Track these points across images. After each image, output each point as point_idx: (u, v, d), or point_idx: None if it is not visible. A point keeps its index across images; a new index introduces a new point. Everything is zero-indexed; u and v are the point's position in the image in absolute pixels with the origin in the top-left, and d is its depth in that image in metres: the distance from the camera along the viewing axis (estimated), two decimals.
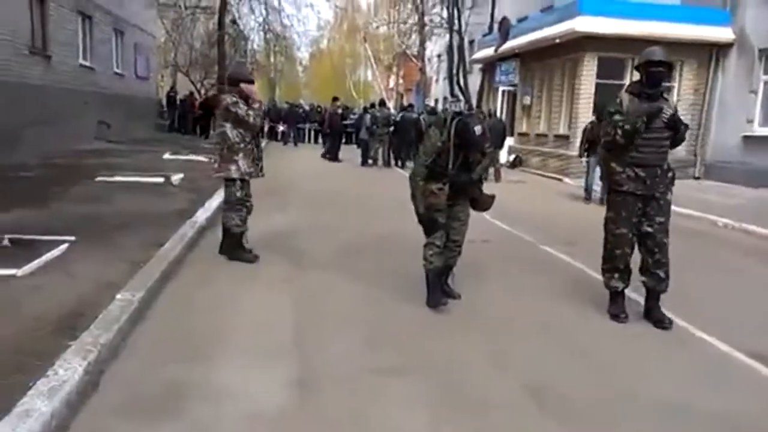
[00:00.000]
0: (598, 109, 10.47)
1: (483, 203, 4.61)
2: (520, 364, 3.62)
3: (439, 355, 3.69)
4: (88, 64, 17.31)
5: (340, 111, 19.62)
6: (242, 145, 5.51)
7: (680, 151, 15.10)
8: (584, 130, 11.18)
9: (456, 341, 3.92)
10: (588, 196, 10.96)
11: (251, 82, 5.83)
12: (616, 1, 16.86)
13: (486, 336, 4.04)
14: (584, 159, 10.99)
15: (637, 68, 4.40)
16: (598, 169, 8.41)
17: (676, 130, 4.28)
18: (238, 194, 5.66)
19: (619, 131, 4.17)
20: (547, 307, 4.73)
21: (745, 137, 13.26)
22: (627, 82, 14.93)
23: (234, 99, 5.43)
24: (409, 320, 4.25)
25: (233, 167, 5.54)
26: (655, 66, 4.27)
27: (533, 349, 3.85)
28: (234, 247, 5.71)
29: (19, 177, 8.88)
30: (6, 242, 4.84)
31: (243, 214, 5.71)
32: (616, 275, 4.48)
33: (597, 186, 10.24)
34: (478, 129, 4.12)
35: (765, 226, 8.37)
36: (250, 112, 5.44)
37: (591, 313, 4.60)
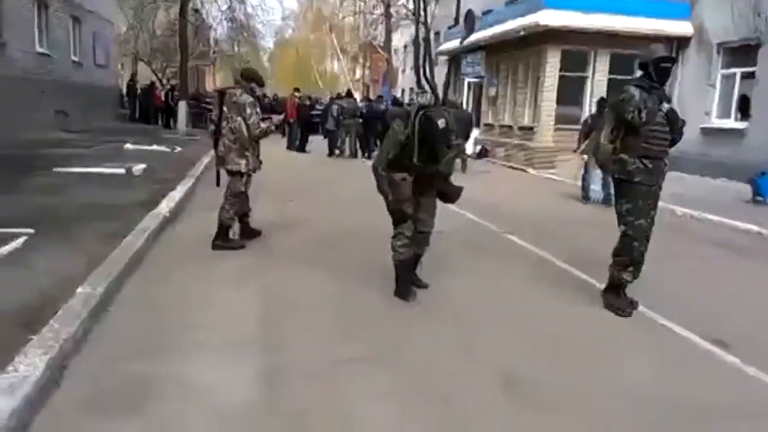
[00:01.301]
0: (601, 103, 9.60)
1: (451, 195, 4.63)
2: (490, 352, 3.66)
3: (409, 344, 3.71)
4: (44, 51, 16.77)
5: (308, 102, 19.46)
6: (252, 142, 5.81)
7: None
8: (583, 123, 10.43)
9: (425, 331, 3.94)
10: (586, 196, 10.15)
11: (263, 86, 6.27)
12: None
13: (455, 325, 4.08)
14: (583, 156, 9.97)
15: (643, 65, 4.43)
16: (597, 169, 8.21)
17: (673, 124, 4.36)
18: (242, 188, 5.92)
19: (644, 112, 4.18)
20: (515, 296, 4.80)
21: (704, 129, 13.63)
22: (589, 74, 15.24)
23: (251, 100, 5.72)
24: (378, 311, 4.26)
25: (243, 162, 5.79)
26: (665, 62, 4.40)
27: (502, 337, 3.91)
28: (222, 238, 5.86)
29: None
30: None
31: (237, 207, 5.95)
32: (630, 268, 4.46)
33: (595, 186, 9.96)
34: (441, 122, 4.13)
35: (722, 216, 8.66)
36: (262, 125, 5.79)
37: (558, 300, 4.69)
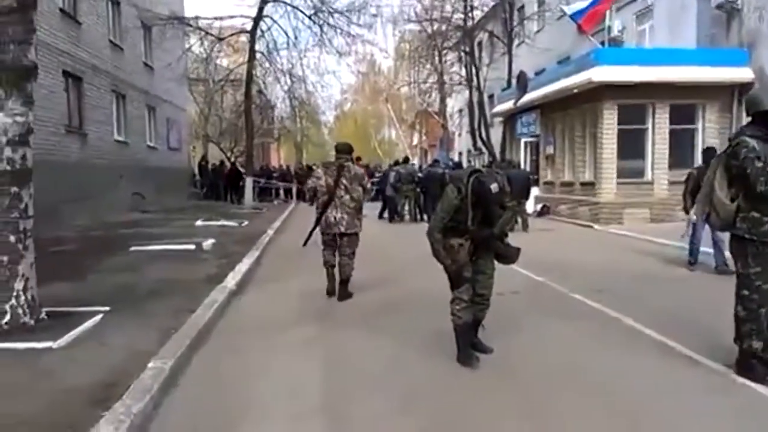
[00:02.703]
0: (709, 153, 8.11)
1: (508, 256, 4.59)
2: (559, 425, 3.50)
3: (472, 416, 3.61)
4: (122, 139, 18.07)
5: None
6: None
7: None
8: (687, 179, 8.67)
9: (488, 400, 3.83)
10: (694, 261, 8.60)
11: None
12: (631, 49, 17.13)
13: (520, 392, 3.95)
14: (691, 215, 8.17)
15: (752, 114, 4.05)
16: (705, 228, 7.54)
17: None
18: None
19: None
20: (586, 361, 4.58)
21: None
22: (649, 126, 14.98)
23: (363, 171, 7.06)
24: (440, 379, 4.19)
25: (359, 224, 6.85)
26: None
27: (573, 407, 3.72)
28: (345, 289, 6.81)
29: (56, 251, 9.18)
30: (44, 315, 4.97)
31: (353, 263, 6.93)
32: (755, 335, 4.05)
33: (705, 247, 8.40)
34: (494, 187, 4.14)
35: None
36: (369, 187, 7.14)
37: (635, 367, 4.44)
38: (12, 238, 4.73)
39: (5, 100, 4.74)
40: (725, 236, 4.44)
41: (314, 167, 10.38)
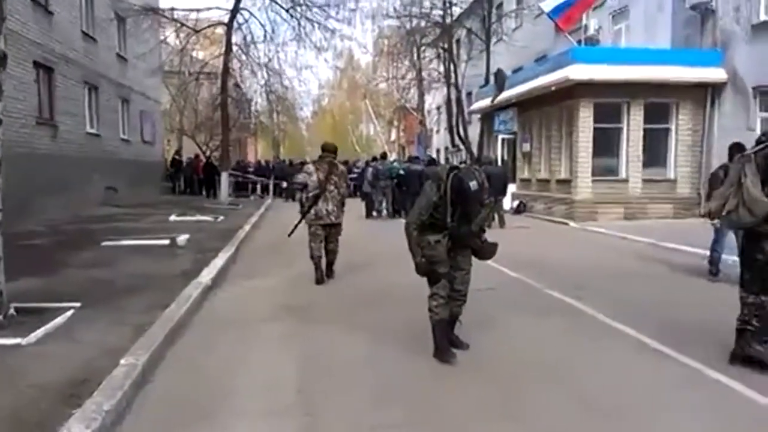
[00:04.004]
0: (736, 149, 6.44)
1: (485, 252, 4.60)
2: (533, 417, 3.53)
3: (447, 409, 3.62)
4: (95, 131, 17.72)
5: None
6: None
7: (684, 191, 15.24)
8: (713, 178, 7.34)
9: (464, 394, 3.84)
10: (715, 271, 7.64)
11: None
12: (607, 48, 17.33)
13: (496, 387, 3.96)
14: (715, 222, 6.79)
15: None
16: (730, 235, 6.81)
17: None
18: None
19: None
20: (559, 356, 4.64)
21: None
22: (624, 125, 15.19)
23: (345, 169, 7.94)
24: (416, 374, 4.19)
25: (342, 215, 7.61)
26: None
27: (547, 401, 3.76)
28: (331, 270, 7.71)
29: (26, 245, 8.97)
30: (12, 311, 4.84)
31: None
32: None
33: (728, 256, 7.26)
34: (473, 185, 4.15)
35: None
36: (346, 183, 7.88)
37: (606, 359, 4.52)
38: None
39: None
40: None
41: (305, 163, 10.70)
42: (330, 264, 7.69)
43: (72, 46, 15.97)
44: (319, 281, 7.36)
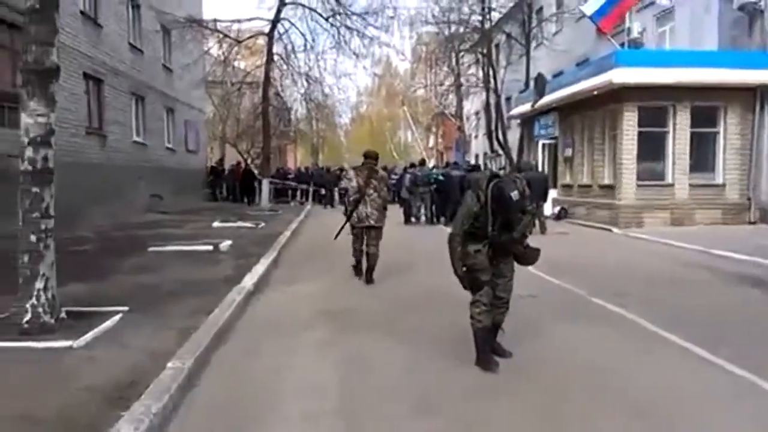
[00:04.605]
0: None
1: (528, 258, 4.53)
2: (578, 427, 3.45)
3: (489, 419, 3.56)
4: (141, 140, 18.23)
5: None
6: None
7: (733, 196, 14.74)
8: None
9: (508, 403, 3.78)
10: None
11: None
12: (652, 51, 16.95)
13: (540, 396, 3.89)
14: None
15: None
16: None
17: None
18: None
19: None
20: (605, 364, 4.53)
21: None
22: (670, 129, 14.80)
23: (386, 174, 8.34)
24: (458, 382, 4.14)
25: (384, 219, 7.88)
26: None
27: (593, 410, 3.67)
28: (371, 275, 7.81)
29: (76, 251, 9.27)
30: (63, 314, 5.00)
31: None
32: None
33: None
34: (515, 195, 4.09)
35: None
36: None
37: (650, 369, 4.39)
38: (33, 238, 4.77)
39: (28, 101, 4.78)
40: None
41: (343, 170, 11.44)
42: (370, 269, 7.80)
43: (120, 58, 16.50)
44: (357, 274, 8.00)
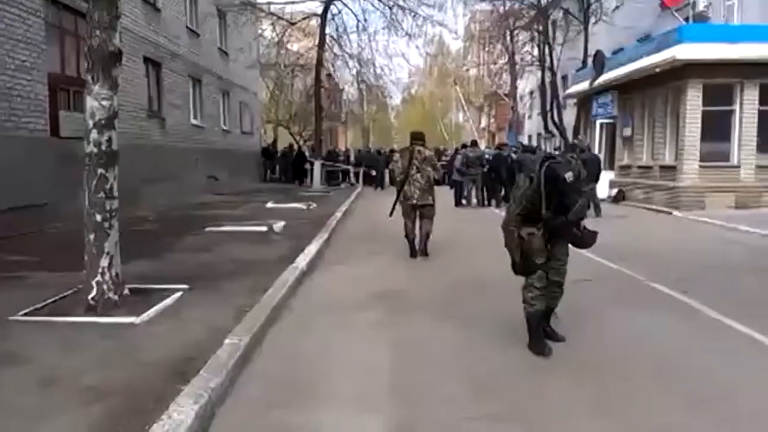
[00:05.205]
0: None
1: (585, 241, 4.42)
2: (632, 413, 3.37)
3: (543, 403, 3.52)
4: (198, 123, 18.67)
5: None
6: None
7: None
8: None
9: (560, 388, 3.72)
10: None
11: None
12: (718, 25, 16.12)
13: (593, 382, 3.81)
14: None
15: None
16: None
17: None
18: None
19: None
20: (661, 350, 4.40)
21: None
22: (736, 107, 14.11)
23: (432, 154, 8.59)
24: (512, 366, 4.11)
25: (432, 197, 8.19)
26: None
27: (647, 396, 3.59)
28: (425, 246, 8.25)
29: (137, 230, 9.61)
30: (126, 291, 5.21)
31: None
32: None
33: None
34: (569, 176, 3.98)
35: None
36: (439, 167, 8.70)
37: (713, 358, 4.24)
38: (98, 217, 4.96)
39: (93, 85, 4.94)
40: None
41: (394, 151, 12.00)
42: (423, 243, 8.23)
43: (178, 42, 16.88)
44: (412, 255, 8.18)
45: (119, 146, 5.16)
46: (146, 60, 14.77)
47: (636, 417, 3.31)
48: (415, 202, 8.06)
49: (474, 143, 19.43)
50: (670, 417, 3.31)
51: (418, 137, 8.33)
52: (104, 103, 4.96)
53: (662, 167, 15.55)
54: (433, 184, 8.23)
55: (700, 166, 14.27)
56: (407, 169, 8.02)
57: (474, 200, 17.03)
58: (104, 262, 4.97)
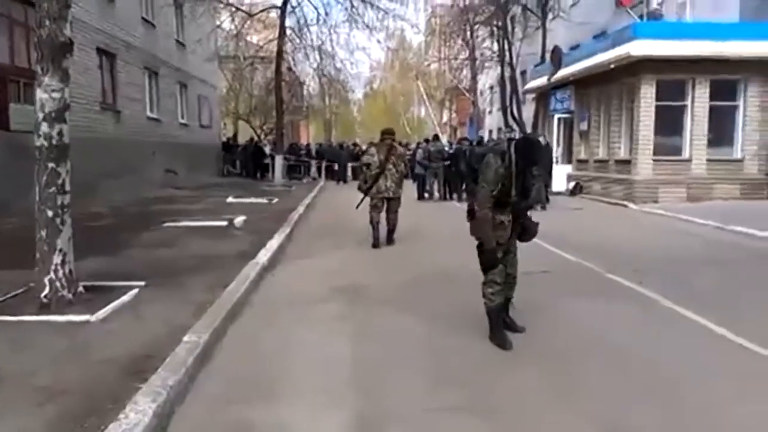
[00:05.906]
0: None
1: (531, 231, 4.50)
2: (590, 400, 3.46)
3: (504, 392, 3.58)
4: (155, 116, 18.25)
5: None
6: None
7: (752, 171, 14.52)
8: None
9: (521, 377, 3.80)
10: None
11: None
12: (671, 23, 16.58)
13: (553, 371, 3.90)
14: None
15: None
16: None
17: None
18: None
19: None
20: (617, 339, 4.53)
21: None
22: (688, 102, 14.55)
23: (403, 151, 9.38)
24: (473, 357, 4.16)
25: (401, 190, 8.78)
26: None
27: (604, 384, 3.68)
28: (391, 237, 8.81)
29: (92, 226, 9.35)
30: (81, 289, 5.07)
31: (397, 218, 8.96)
32: None
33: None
34: (542, 139, 4.05)
35: None
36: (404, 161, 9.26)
37: (668, 347, 4.37)
38: (50, 213, 4.81)
39: (42, 76, 4.78)
40: None
41: (356, 145, 12.45)
42: (390, 231, 8.77)
43: (133, 32, 16.45)
44: (375, 245, 8.47)
45: (72, 140, 5.00)
46: (100, 51, 14.35)
47: (594, 406, 3.39)
48: (390, 195, 8.53)
49: (435, 137, 19.57)
50: (627, 405, 3.40)
51: (390, 133, 8.88)
52: (55, 95, 4.80)
53: (617, 161, 15.94)
54: (403, 178, 8.80)
55: (654, 160, 14.68)
56: (384, 164, 8.46)
57: (436, 194, 17.16)
58: (57, 258, 4.82)
